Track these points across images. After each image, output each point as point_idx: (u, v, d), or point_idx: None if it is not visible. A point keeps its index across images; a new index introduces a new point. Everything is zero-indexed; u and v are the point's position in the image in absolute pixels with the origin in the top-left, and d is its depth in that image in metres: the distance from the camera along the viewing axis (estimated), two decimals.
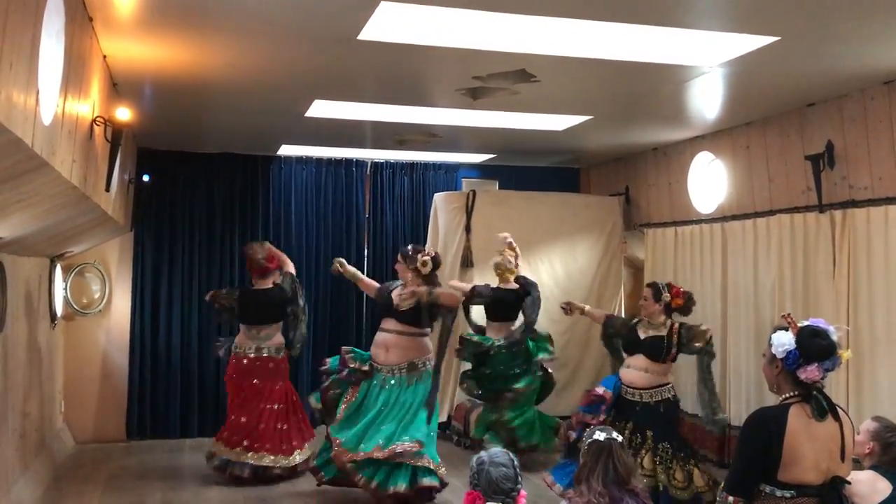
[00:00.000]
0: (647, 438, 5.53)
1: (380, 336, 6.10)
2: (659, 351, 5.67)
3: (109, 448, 7.88)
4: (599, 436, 3.64)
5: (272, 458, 6.60)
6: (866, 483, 3.69)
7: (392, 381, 5.93)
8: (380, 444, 5.64)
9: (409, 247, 6.30)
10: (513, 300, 7.22)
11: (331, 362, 6.22)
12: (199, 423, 8.29)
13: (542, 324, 7.67)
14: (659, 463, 5.45)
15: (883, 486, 3.71)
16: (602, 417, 5.55)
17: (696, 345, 5.63)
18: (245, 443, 6.58)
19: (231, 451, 6.61)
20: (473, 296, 7.25)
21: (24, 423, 6.07)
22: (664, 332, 5.71)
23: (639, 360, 5.72)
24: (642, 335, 5.77)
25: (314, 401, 6.20)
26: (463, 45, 4.57)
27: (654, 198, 8.35)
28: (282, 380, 6.85)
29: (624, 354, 5.95)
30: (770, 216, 6.55)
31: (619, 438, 3.66)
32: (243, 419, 6.64)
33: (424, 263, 6.02)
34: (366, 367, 6.00)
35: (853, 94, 5.66)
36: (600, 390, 5.74)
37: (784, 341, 3.01)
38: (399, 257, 6.24)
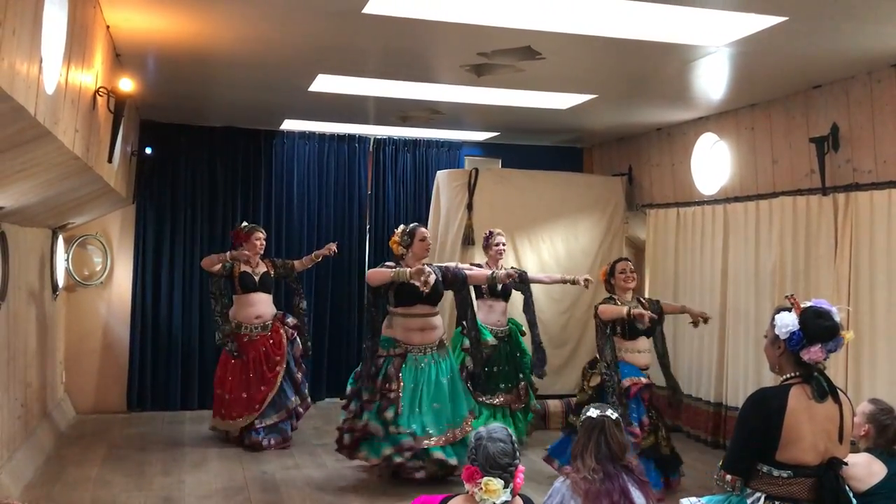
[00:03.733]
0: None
1: (416, 321, 5.99)
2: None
3: (110, 419, 7.93)
4: (593, 413, 3.65)
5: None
6: (862, 465, 3.71)
7: (425, 361, 5.95)
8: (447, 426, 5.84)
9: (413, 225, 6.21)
10: None
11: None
12: (200, 395, 8.31)
13: (543, 303, 7.69)
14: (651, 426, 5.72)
15: (878, 469, 3.73)
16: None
17: None
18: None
19: None
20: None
21: (25, 392, 6.10)
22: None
23: (642, 342, 5.82)
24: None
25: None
26: (468, 21, 4.54)
27: (657, 178, 8.33)
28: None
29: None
30: (773, 198, 6.53)
31: (614, 416, 3.67)
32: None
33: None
34: (399, 350, 5.95)
35: (860, 76, 5.62)
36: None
37: (787, 322, 3.00)
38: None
